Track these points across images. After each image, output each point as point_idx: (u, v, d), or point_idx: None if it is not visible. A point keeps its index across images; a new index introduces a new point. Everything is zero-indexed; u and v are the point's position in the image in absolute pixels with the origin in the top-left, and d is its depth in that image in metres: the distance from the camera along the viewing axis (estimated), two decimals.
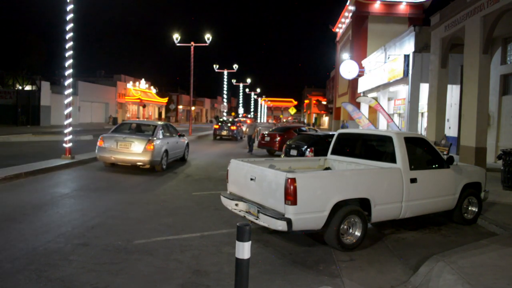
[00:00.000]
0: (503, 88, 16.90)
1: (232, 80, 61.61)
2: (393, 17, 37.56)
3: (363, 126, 20.75)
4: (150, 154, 11.61)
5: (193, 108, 67.35)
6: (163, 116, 69.62)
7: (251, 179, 6.05)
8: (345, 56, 38.26)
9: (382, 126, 25.51)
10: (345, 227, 5.85)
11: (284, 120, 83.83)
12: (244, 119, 48.42)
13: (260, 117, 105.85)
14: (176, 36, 30.49)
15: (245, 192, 6.29)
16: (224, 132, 28.30)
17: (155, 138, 12.00)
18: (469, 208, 7.56)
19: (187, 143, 15.40)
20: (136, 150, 11.64)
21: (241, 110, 72.53)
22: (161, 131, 12.69)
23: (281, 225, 5.28)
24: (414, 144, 7.06)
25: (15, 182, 9.93)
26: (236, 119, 36.35)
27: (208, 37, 30.60)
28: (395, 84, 22.46)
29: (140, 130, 13.36)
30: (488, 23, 13.43)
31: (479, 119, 13.76)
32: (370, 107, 28.09)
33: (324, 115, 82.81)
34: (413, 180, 6.49)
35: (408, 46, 21.14)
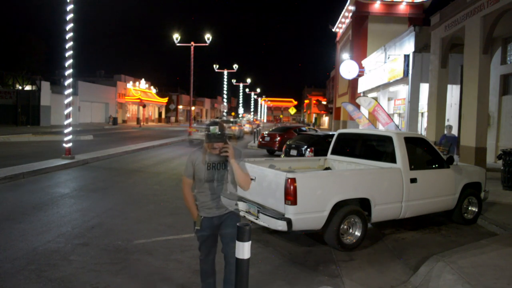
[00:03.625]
0: (503, 88, 16.89)
1: (232, 80, 61.59)
2: (393, 17, 37.50)
3: (363, 125, 20.75)
4: (236, 132, 28.22)
5: (193, 108, 67.14)
6: (163, 116, 69.55)
7: (251, 179, 6.04)
8: (345, 56, 38.21)
9: (382, 126, 25.47)
10: (345, 227, 5.85)
11: (281, 119, 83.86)
12: (245, 119, 48.50)
13: (260, 117, 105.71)
14: (176, 36, 30.48)
15: (245, 192, 6.28)
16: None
17: (237, 126, 29.51)
18: (469, 208, 7.56)
19: (241, 129, 31.85)
20: (231, 130, 27.41)
21: (241, 110, 72.52)
22: (237, 123, 30.50)
23: (281, 225, 5.28)
24: (414, 144, 7.05)
25: (15, 182, 9.94)
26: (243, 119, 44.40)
27: (208, 37, 30.60)
28: (395, 84, 22.45)
29: (230, 122, 30.45)
30: (488, 23, 13.42)
31: (479, 119, 13.75)
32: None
33: (324, 115, 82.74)
34: (413, 180, 6.49)
35: (408, 46, 21.11)
